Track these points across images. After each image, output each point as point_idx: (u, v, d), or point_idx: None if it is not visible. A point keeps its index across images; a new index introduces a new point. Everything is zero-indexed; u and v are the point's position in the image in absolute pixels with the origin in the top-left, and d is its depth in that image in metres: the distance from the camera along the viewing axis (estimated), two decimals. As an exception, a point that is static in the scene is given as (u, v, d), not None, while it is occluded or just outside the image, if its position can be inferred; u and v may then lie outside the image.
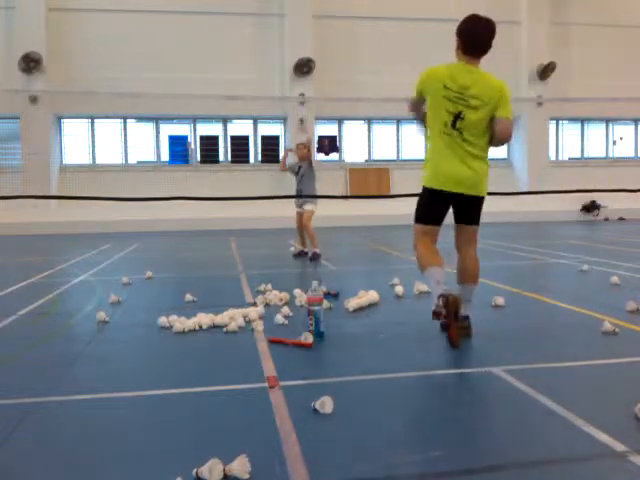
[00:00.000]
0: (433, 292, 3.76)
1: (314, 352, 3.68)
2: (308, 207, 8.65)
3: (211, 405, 2.80)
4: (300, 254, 8.88)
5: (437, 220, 3.91)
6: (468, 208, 3.90)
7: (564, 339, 3.93)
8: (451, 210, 3.95)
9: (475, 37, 3.75)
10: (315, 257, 8.32)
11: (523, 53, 18.57)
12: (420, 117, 4.07)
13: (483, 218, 4.03)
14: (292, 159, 9.65)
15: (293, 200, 8.94)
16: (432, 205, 3.90)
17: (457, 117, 3.69)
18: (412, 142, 19.49)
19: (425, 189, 3.91)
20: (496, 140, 3.81)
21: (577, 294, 5.63)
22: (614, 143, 20.80)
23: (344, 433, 2.44)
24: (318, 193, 8.89)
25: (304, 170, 8.73)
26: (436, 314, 3.62)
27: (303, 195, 8.69)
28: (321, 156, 18.76)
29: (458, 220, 3.96)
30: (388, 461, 2.19)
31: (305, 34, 17.60)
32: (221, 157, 18.71)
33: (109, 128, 18.21)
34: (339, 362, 3.50)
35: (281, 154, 18.78)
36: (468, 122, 3.70)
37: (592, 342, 3.81)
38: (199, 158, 18.56)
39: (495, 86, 3.73)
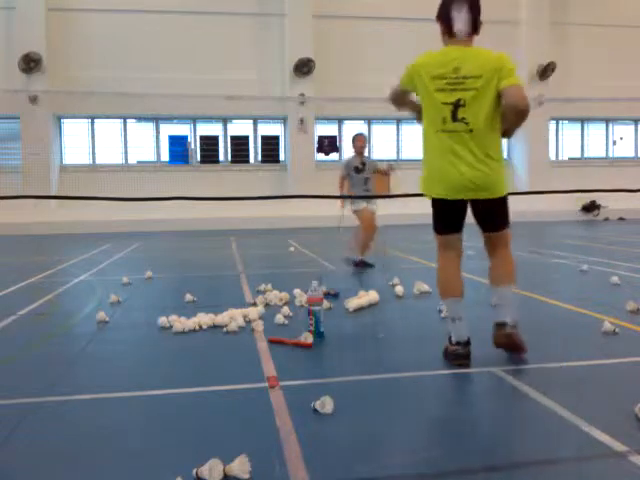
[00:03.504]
0: (450, 329, 3.39)
1: (314, 352, 3.68)
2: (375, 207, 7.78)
3: (211, 405, 2.80)
4: (360, 264, 7.39)
5: (454, 227, 3.40)
6: (485, 212, 3.37)
7: (564, 339, 3.92)
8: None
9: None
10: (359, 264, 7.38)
11: (523, 53, 18.53)
12: (409, 107, 3.59)
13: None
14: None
15: (356, 200, 7.62)
16: (443, 214, 3.40)
17: (457, 106, 3.19)
18: (412, 142, 19.50)
19: (432, 198, 3.40)
20: (511, 114, 3.19)
21: (577, 294, 5.63)
22: (614, 143, 20.79)
23: (344, 433, 2.44)
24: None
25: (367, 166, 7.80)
26: (449, 355, 3.35)
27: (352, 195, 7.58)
28: (321, 156, 18.76)
29: (480, 227, 3.45)
30: (388, 461, 2.19)
31: (305, 34, 17.60)
32: (221, 157, 18.71)
33: (109, 128, 18.20)
34: (339, 362, 3.50)
35: (282, 155, 18.81)
36: (471, 107, 3.18)
37: (592, 342, 3.80)
38: (199, 158, 18.55)
39: (491, 58, 3.24)
